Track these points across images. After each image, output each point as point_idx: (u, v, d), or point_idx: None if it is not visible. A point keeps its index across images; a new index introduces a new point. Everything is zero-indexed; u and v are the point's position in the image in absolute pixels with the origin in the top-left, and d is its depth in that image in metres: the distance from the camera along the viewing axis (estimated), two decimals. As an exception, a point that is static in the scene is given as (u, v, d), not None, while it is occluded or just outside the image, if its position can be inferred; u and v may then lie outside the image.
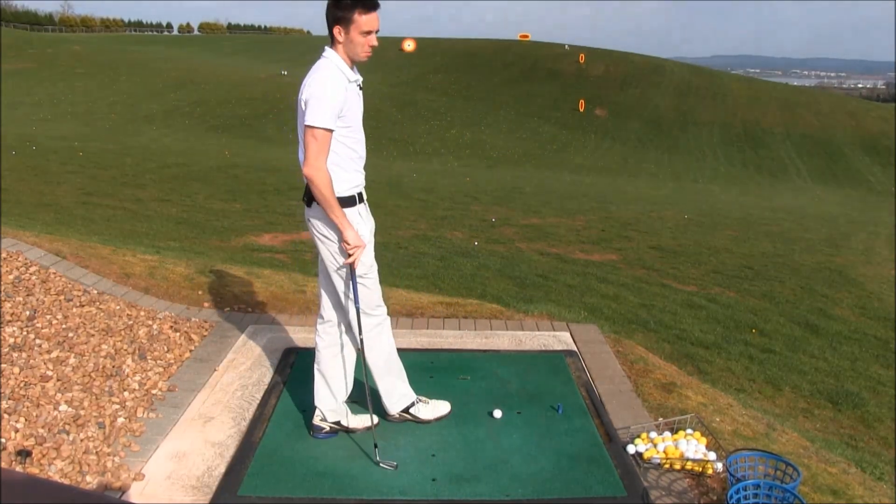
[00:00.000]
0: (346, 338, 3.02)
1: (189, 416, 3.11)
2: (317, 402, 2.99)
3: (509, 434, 3.06)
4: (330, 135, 2.59)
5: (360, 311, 2.83)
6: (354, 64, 2.70)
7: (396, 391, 3.06)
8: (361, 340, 2.86)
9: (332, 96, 2.57)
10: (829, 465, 3.08)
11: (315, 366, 3.01)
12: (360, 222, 2.78)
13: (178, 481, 2.65)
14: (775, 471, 2.64)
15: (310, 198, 2.73)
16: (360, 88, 2.75)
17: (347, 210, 2.71)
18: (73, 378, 3.16)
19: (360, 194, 2.81)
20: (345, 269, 2.82)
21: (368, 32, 2.60)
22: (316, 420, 3.00)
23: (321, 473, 2.72)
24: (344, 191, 2.71)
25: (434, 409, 3.15)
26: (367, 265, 2.82)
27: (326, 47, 2.69)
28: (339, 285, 2.87)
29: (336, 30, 2.60)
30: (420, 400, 3.14)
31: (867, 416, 4.44)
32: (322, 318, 3.01)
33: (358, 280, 2.80)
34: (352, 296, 2.84)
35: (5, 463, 2.57)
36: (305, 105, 2.58)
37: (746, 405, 3.72)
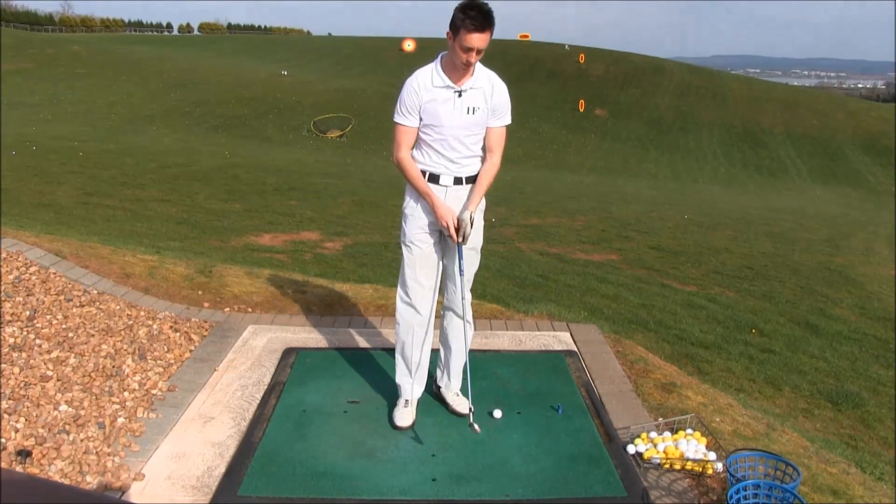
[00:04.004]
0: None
1: (189, 416, 3.12)
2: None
3: (509, 434, 3.06)
4: (404, 129, 2.85)
5: (464, 282, 3.01)
6: (458, 71, 2.77)
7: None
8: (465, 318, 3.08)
9: (403, 96, 2.83)
10: (829, 465, 3.08)
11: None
12: (419, 198, 2.94)
13: (178, 481, 2.65)
14: (775, 471, 2.64)
15: None
16: (459, 94, 2.80)
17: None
18: (73, 378, 3.16)
19: (432, 175, 2.92)
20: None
21: (469, 49, 2.67)
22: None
23: (321, 473, 2.72)
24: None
25: (402, 416, 3.12)
26: (408, 237, 2.97)
27: (444, 52, 2.83)
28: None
29: (448, 33, 2.72)
30: (409, 403, 3.15)
31: (867, 416, 4.44)
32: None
33: (403, 250, 2.98)
34: (455, 268, 3.00)
35: (5, 463, 2.57)
36: None
37: (746, 405, 3.72)
